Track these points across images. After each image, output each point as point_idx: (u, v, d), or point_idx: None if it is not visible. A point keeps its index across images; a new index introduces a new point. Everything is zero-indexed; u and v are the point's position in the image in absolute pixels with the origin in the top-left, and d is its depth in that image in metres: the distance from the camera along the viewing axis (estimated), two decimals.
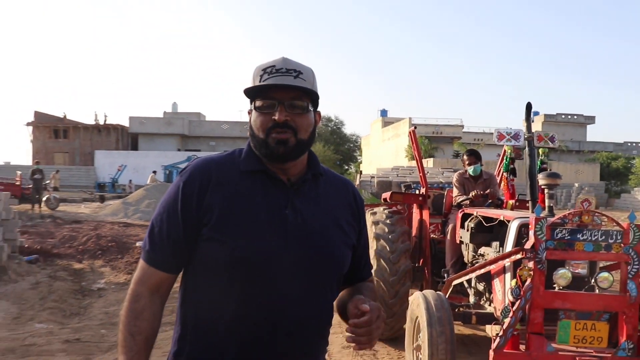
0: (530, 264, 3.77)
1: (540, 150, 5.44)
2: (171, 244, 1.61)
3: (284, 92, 1.61)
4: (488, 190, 6.27)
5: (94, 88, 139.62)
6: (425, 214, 6.71)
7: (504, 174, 6.37)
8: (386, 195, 7.09)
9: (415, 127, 7.39)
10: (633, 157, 45.93)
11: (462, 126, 52.50)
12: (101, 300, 8.26)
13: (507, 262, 4.30)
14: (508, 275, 4.38)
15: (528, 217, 4.17)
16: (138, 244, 12.43)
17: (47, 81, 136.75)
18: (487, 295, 5.12)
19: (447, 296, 4.99)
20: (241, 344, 1.58)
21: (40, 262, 10.40)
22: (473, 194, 6.16)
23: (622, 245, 3.71)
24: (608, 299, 3.78)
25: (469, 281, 5.37)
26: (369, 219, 6.54)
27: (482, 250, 5.28)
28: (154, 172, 34.13)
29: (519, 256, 3.98)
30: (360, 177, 11.76)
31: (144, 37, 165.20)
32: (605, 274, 3.85)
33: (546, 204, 4.21)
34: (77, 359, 5.44)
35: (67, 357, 5.48)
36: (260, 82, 1.62)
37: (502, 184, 6.56)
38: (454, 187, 6.57)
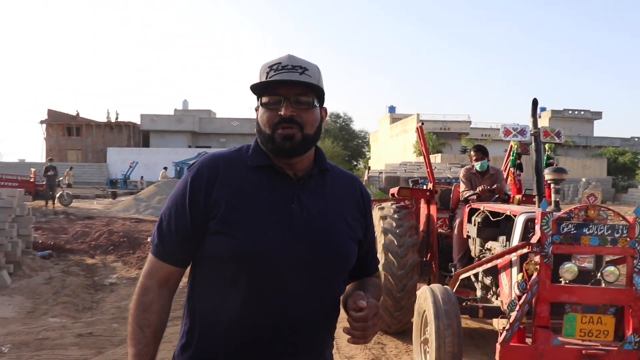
0: (537, 258, 3.76)
1: (547, 146, 5.44)
2: (179, 237, 1.62)
3: (289, 88, 1.62)
4: (495, 186, 6.25)
5: (106, 86, 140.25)
6: (433, 209, 6.70)
7: (511, 169, 6.35)
8: (394, 190, 7.09)
9: (422, 123, 7.37)
10: None
11: (470, 122, 52.31)
12: (113, 295, 8.32)
13: (513, 257, 4.29)
14: (515, 270, 4.37)
15: (534, 212, 4.16)
16: (149, 239, 12.45)
17: (60, 80, 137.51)
18: (494, 289, 5.12)
19: (454, 290, 4.99)
20: (246, 337, 1.58)
21: (54, 257, 10.48)
22: (480, 189, 6.15)
23: (628, 239, 3.69)
24: (614, 293, 3.76)
25: (476, 275, 5.36)
26: (376, 213, 6.54)
27: (489, 244, 5.27)
28: (165, 168, 34.30)
29: (525, 250, 3.97)
30: (368, 173, 11.76)
31: (155, 35, 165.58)
32: (611, 268, 3.83)
33: (552, 198, 4.19)
34: (90, 352, 5.48)
35: (79, 350, 5.52)
36: (266, 78, 1.62)
37: (508, 179, 6.54)
38: (461, 183, 6.56)
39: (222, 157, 1.69)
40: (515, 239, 4.47)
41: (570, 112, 58.45)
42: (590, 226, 3.74)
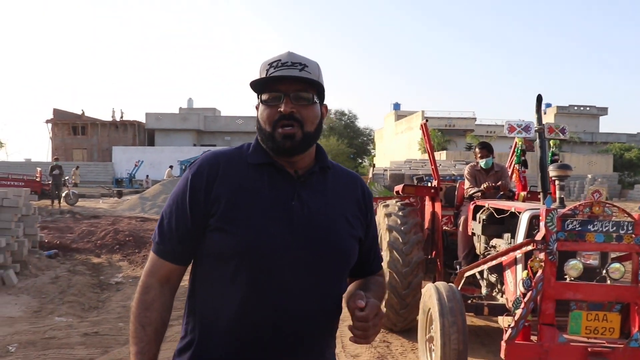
0: (541, 255, 3.75)
1: (552, 142, 5.40)
2: (180, 235, 1.62)
3: (289, 85, 1.61)
4: (499, 182, 6.24)
5: (111, 85, 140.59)
6: (438, 206, 6.69)
7: (516, 166, 6.33)
8: (398, 188, 7.08)
9: (426, 120, 7.35)
10: None
11: (475, 119, 52.22)
12: (119, 294, 8.33)
13: (518, 254, 4.28)
14: (519, 267, 4.35)
15: (539, 209, 4.15)
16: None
17: (66, 79, 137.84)
18: (499, 286, 5.11)
19: (459, 288, 4.98)
20: (246, 336, 1.57)
21: (60, 256, 10.51)
22: (484, 186, 6.13)
23: (633, 236, 3.68)
24: (620, 290, 3.75)
25: (481, 273, 5.35)
26: (381, 211, 6.54)
27: (494, 241, 5.26)
28: (171, 167, 34.36)
29: (530, 247, 3.96)
30: (373, 170, 11.73)
31: (160, 34, 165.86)
32: (616, 265, 3.82)
33: (557, 195, 4.18)
34: (96, 351, 5.49)
35: (86, 350, 5.54)
36: (266, 75, 1.62)
37: (513, 176, 6.52)
38: (466, 180, 6.54)
39: (223, 155, 1.68)
40: (520, 236, 4.46)
41: (575, 108, 58.28)
42: (595, 223, 3.72)
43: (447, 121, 50.73)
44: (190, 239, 1.63)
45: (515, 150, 6.35)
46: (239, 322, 1.57)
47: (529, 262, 3.83)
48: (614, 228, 3.70)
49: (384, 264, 6.06)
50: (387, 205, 6.56)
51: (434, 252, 6.65)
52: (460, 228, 6.06)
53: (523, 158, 6.18)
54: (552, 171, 4.20)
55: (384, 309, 6.04)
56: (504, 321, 4.28)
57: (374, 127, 71.37)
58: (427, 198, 6.99)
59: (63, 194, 22.56)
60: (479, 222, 5.44)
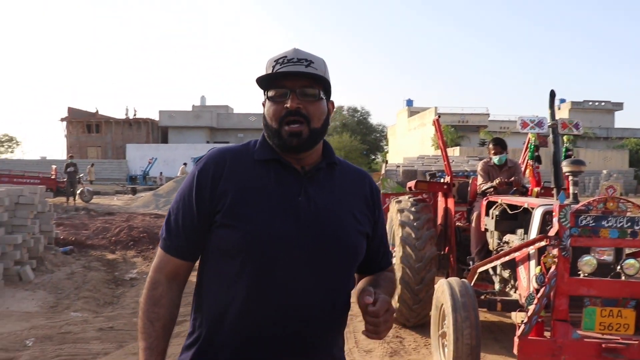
0: (555, 251, 3.73)
1: (565, 138, 5.37)
2: (186, 231, 1.62)
3: (295, 81, 1.60)
4: (513, 178, 6.21)
5: (124, 83, 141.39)
6: (450, 202, 6.67)
7: (529, 161, 6.30)
8: (411, 184, 7.07)
9: (439, 117, 7.33)
10: None
11: (488, 114, 51.93)
12: (133, 290, 8.39)
13: (531, 250, 4.26)
14: (532, 263, 4.33)
15: (552, 205, 4.12)
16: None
17: (80, 78, 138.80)
18: (512, 282, 5.09)
19: (472, 283, 4.96)
20: (252, 332, 1.57)
21: (75, 253, 10.60)
22: (497, 181, 6.10)
23: None
24: (634, 286, 3.72)
25: (494, 268, 5.33)
26: (394, 207, 6.53)
27: (507, 237, 5.24)
28: (185, 164, 34.53)
29: (543, 243, 3.94)
30: (386, 166, 11.71)
31: (173, 32, 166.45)
32: (631, 261, 3.78)
33: (570, 191, 4.15)
34: (111, 346, 5.54)
35: (101, 344, 5.59)
36: (272, 72, 1.61)
37: (527, 172, 6.49)
38: (479, 176, 6.51)
39: (229, 151, 1.68)
40: (533, 232, 4.43)
41: (590, 103, 57.71)
42: (609, 218, 3.70)
43: (460, 117, 50.50)
44: (196, 235, 1.63)
45: (529, 146, 6.32)
46: (245, 318, 1.57)
47: (542, 258, 3.82)
48: (629, 224, 3.67)
49: (397, 260, 6.06)
50: (400, 201, 6.55)
51: (446, 248, 6.64)
52: (473, 224, 6.03)
53: (536, 154, 6.15)
54: (565, 167, 4.17)
55: (396, 305, 6.05)
56: (517, 317, 4.27)
57: (387, 124, 71.22)
58: (439, 194, 6.97)
59: (78, 191, 22.74)
60: (492, 218, 5.41)
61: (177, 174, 32.96)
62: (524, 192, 6.14)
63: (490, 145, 6.62)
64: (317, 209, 1.62)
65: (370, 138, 69.31)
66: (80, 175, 24.02)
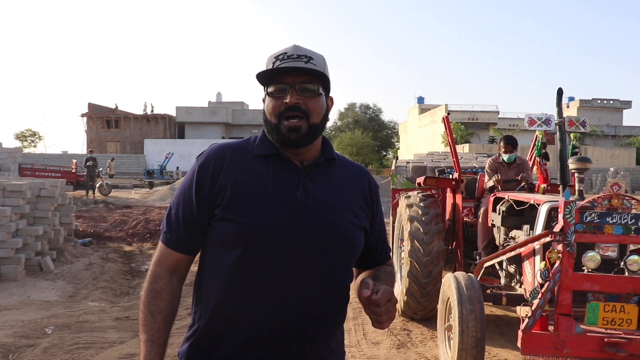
0: (559, 247, 3.72)
1: (572, 135, 5.33)
2: (186, 225, 1.62)
3: (295, 76, 1.60)
4: (521, 175, 6.19)
5: (143, 80, 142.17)
6: (458, 198, 6.65)
7: (537, 158, 6.26)
8: (420, 179, 7.06)
9: (448, 114, 7.33)
10: None
11: (498, 112, 51.52)
12: None
13: (536, 245, 4.24)
14: (538, 258, 4.31)
15: (558, 201, 4.10)
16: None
17: (100, 75, 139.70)
18: (517, 277, 5.07)
19: (479, 278, 4.95)
20: (250, 324, 1.56)
21: (94, 244, 10.71)
22: (494, 179, 6.11)
23: None
24: (638, 282, 3.70)
25: (500, 263, 5.32)
26: (403, 202, 6.53)
27: (513, 233, 5.22)
28: None
29: (548, 239, 3.92)
30: (396, 163, 11.69)
31: (191, 29, 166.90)
32: (635, 257, 3.76)
33: (576, 187, 4.12)
34: (127, 335, 5.60)
35: (117, 333, 5.65)
36: (272, 68, 1.61)
37: (534, 168, 6.46)
38: (486, 174, 6.49)
39: (229, 147, 1.68)
40: (539, 228, 4.41)
41: (599, 101, 57.12)
42: (614, 215, 3.67)
43: (470, 114, 50.14)
44: (196, 229, 1.62)
45: (536, 143, 6.28)
46: (243, 311, 1.56)
47: (547, 253, 3.80)
48: (633, 220, 3.65)
49: (405, 254, 6.06)
50: (409, 197, 6.55)
51: (454, 243, 6.63)
52: (480, 219, 6.02)
53: (544, 151, 6.11)
54: (571, 164, 4.15)
55: (404, 298, 6.05)
56: (521, 311, 4.25)
57: (398, 121, 71.01)
58: (448, 190, 6.96)
59: (97, 185, 22.94)
60: (499, 214, 5.40)
61: None
62: (532, 188, 6.11)
63: (502, 143, 6.58)
64: (315, 203, 1.61)
65: (382, 134, 69.14)
66: (100, 169, 24.22)
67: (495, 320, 6.41)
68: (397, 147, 66.47)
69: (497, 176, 6.13)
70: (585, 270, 3.78)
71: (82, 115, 54.03)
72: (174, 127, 55.37)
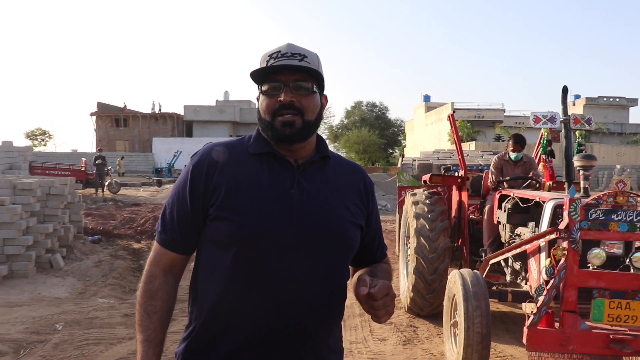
0: (564, 244, 3.70)
1: (578, 133, 5.30)
2: (180, 225, 1.61)
3: (289, 75, 1.59)
4: (532, 173, 6.19)
5: (151, 79, 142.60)
6: (464, 196, 6.64)
7: (542, 156, 6.25)
8: (426, 177, 7.05)
9: (453, 112, 7.28)
10: None
11: (504, 110, 51.35)
12: None
13: (542, 242, 4.23)
14: (543, 255, 4.30)
15: (563, 198, 4.09)
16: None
17: (109, 74, 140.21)
18: (523, 274, 5.06)
19: (484, 275, 4.94)
20: (246, 322, 1.54)
21: (103, 242, 10.75)
22: (490, 182, 6.20)
23: None
24: None
25: (505, 260, 5.31)
26: (409, 199, 6.53)
27: (519, 230, 5.21)
28: None
29: (553, 236, 3.91)
30: (402, 160, 11.65)
31: (198, 29, 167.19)
32: None
33: (581, 185, 4.11)
34: (135, 331, 5.62)
35: (126, 329, 5.67)
36: (266, 66, 1.60)
37: (539, 165, 6.44)
38: (490, 172, 6.46)
39: (224, 146, 1.66)
40: (544, 225, 4.40)
41: (605, 99, 56.79)
42: (619, 212, 3.66)
43: (476, 112, 50.01)
44: (191, 229, 1.61)
45: (541, 141, 6.26)
46: (239, 310, 1.54)
47: (552, 250, 3.79)
48: (638, 218, 3.63)
49: (411, 250, 6.06)
50: (415, 194, 6.55)
51: (460, 240, 6.62)
52: (486, 217, 6.01)
53: (549, 148, 6.09)
54: (576, 161, 4.12)
55: (410, 294, 6.05)
56: (526, 308, 4.24)
57: (404, 119, 70.87)
58: (454, 187, 6.95)
59: (106, 183, 23.02)
60: (505, 211, 5.39)
61: None
62: (539, 186, 6.08)
63: (511, 142, 6.52)
64: (310, 201, 1.60)
65: (389, 132, 69.04)
66: (109, 167, 24.31)
67: (501, 316, 6.40)
68: (403, 145, 66.31)
69: (492, 177, 6.19)
70: (591, 267, 3.76)
71: (92, 115, 54.21)
72: (182, 125, 55.48)
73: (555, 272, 3.67)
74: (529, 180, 6.11)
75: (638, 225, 3.63)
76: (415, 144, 55.75)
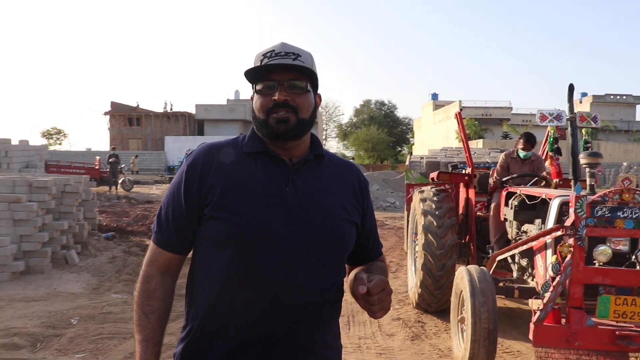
0: (571, 241, 3.69)
1: (584, 130, 5.27)
2: (175, 225, 1.60)
3: (283, 73, 1.58)
4: (544, 173, 6.17)
5: (163, 78, 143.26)
6: (471, 193, 6.62)
7: (549, 153, 6.22)
8: (434, 174, 7.04)
9: (461, 110, 7.26)
10: None
11: (511, 108, 51.16)
12: None
13: (548, 239, 4.21)
14: (549, 252, 4.29)
15: (569, 196, 4.07)
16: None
17: (122, 74, 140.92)
18: (529, 270, 5.04)
19: (491, 271, 4.94)
20: (243, 321, 1.53)
21: (117, 238, 10.81)
22: (490, 182, 6.22)
23: None
24: None
25: (512, 257, 5.29)
26: (417, 197, 6.53)
27: (525, 227, 5.19)
28: None
29: (559, 233, 3.90)
30: (410, 158, 11.65)
31: (209, 29, 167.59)
32: None
33: (587, 182, 4.09)
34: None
35: None
36: (260, 65, 1.59)
37: (546, 162, 6.41)
38: (497, 170, 6.43)
39: (218, 146, 1.65)
40: (550, 222, 4.38)
41: (612, 97, 56.43)
42: (625, 209, 3.64)
43: (483, 110, 49.85)
44: (186, 229, 1.60)
45: (548, 138, 6.24)
46: (236, 309, 1.53)
47: (558, 247, 3.78)
48: None
49: (419, 247, 6.06)
50: (423, 191, 6.55)
51: (467, 237, 6.60)
52: (493, 213, 5.99)
53: (556, 146, 6.06)
54: (583, 159, 4.10)
55: (418, 290, 6.05)
56: (533, 304, 4.23)
57: (413, 117, 70.79)
58: (461, 184, 6.94)
59: (119, 181, 23.15)
60: (511, 208, 5.37)
61: None
62: (546, 184, 6.05)
63: (521, 140, 6.48)
64: (305, 199, 1.58)
65: (397, 131, 69.03)
66: (122, 165, 24.43)
67: (507, 312, 6.39)
68: (411, 143, 66.24)
69: (495, 178, 6.25)
70: (597, 264, 3.75)
71: (105, 114, 54.46)
72: (194, 124, 55.64)
73: (562, 268, 3.66)
74: (536, 179, 6.09)
75: None
76: (423, 142, 55.64)
